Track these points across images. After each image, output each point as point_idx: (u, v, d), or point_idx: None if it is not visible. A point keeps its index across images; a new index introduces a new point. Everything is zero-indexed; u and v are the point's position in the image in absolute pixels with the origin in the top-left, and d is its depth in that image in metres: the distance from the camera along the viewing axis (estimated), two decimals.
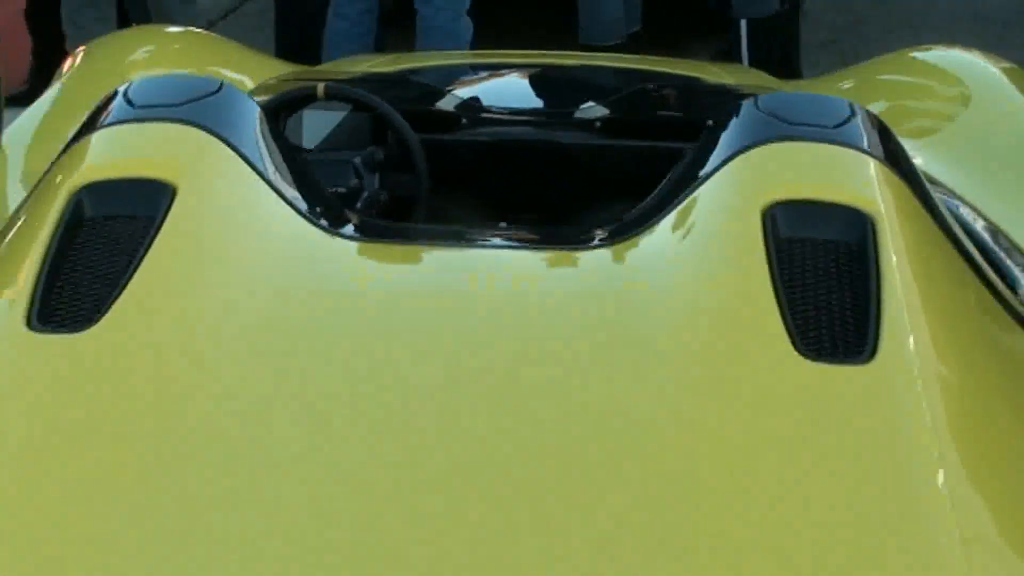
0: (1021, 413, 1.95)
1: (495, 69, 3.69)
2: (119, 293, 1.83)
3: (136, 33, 4.35)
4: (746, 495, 1.69)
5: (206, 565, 1.59)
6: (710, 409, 1.79)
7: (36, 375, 1.81)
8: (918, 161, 3.07)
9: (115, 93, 2.24)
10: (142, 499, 1.68)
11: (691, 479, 1.70)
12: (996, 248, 2.66)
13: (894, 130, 3.26)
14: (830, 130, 2.08)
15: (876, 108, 3.47)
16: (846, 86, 3.69)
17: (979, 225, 2.74)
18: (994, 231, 2.74)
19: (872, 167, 2.06)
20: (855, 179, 2.04)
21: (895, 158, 2.13)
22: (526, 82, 3.51)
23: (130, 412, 1.75)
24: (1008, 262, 2.61)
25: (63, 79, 3.85)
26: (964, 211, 2.80)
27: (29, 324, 1.82)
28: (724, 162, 2.05)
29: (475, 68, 3.74)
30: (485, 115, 3.14)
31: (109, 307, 1.82)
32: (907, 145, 3.16)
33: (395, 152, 2.79)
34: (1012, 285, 2.55)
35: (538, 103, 3.39)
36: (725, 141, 2.10)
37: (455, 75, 3.57)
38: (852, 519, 1.67)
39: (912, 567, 1.65)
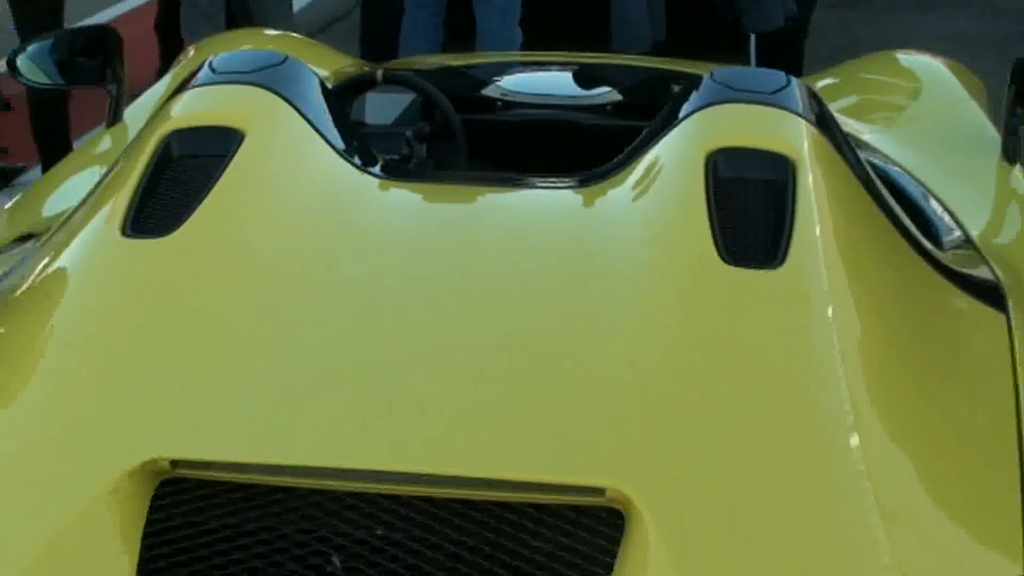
0: (907, 322, 1.98)
1: (530, 65, 3.75)
2: (194, 209, 1.92)
3: (239, 34, 4.42)
4: (666, 366, 1.75)
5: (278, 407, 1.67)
6: (646, 296, 1.85)
7: (126, 270, 1.90)
8: (872, 136, 3.15)
9: (204, 63, 2.33)
10: (214, 351, 1.77)
11: (622, 355, 1.76)
12: (925, 205, 2.70)
13: (868, 115, 3.35)
14: (767, 95, 2.14)
15: (850, 97, 3.56)
16: (829, 81, 3.75)
17: (915, 188, 2.79)
18: (926, 192, 2.79)
19: (797, 124, 2.09)
20: (782, 132, 2.07)
21: (821, 119, 2.17)
22: (552, 75, 3.56)
23: (198, 293, 1.84)
24: (936, 217, 2.65)
25: (176, 68, 3.97)
26: (900, 175, 2.84)
27: (123, 232, 1.91)
28: (683, 119, 2.11)
29: (512, 65, 3.79)
30: (515, 100, 3.19)
31: (185, 220, 1.91)
32: (868, 125, 3.24)
33: (440, 127, 2.83)
34: (936, 235, 2.56)
35: (560, 91, 3.40)
36: (687, 104, 2.16)
37: (495, 70, 3.62)
38: (750, 386, 1.71)
39: (803, 434, 1.68)
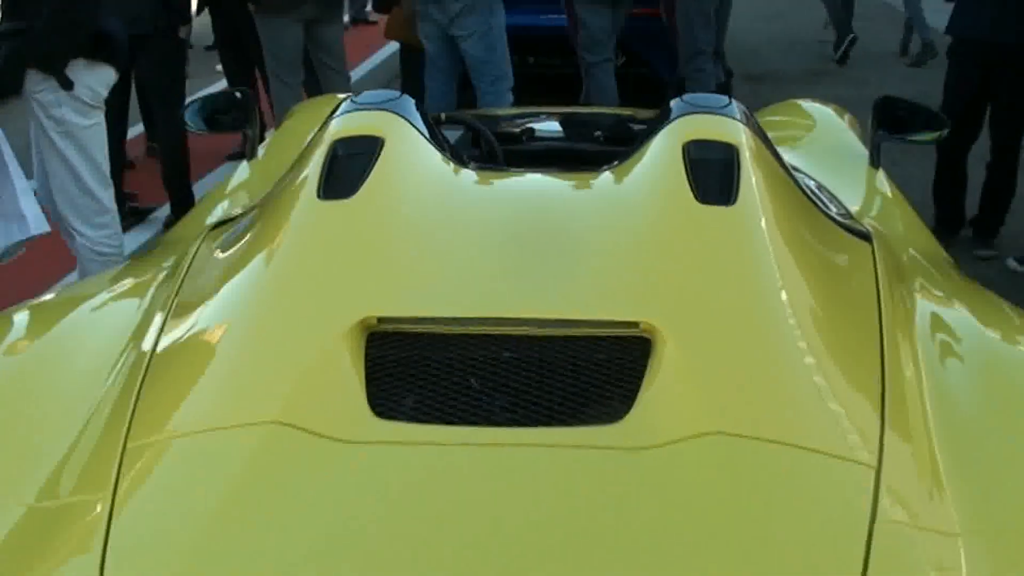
0: (810, 237, 2.29)
1: (543, 115, 3.97)
2: (361, 184, 2.21)
3: (321, 99, 4.70)
4: (673, 249, 2.08)
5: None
6: (654, 216, 2.18)
7: (324, 220, 2.18)
8: (783, 155, 3.47)
9: (347, 97, 2.64)
10: (391, 253, 2.07)
11: (644, 245, 2.09)
12: (819, 192, 3.01)
13: (779, 142, 3.51)
14: (718, 109, 2.47)
15: (769, 132, 3.80)
16: None
17: (812, 183, 3.10)
18: (820, 185, 3.13)
19: (737, 125, 2.42)
20: (728, 130, 2.39)
21: (751, 124, 2.48)
22: (559, 119, 3.85)
23: (375, 226, 2.15)
24: (827, 198, 2.97)
25: (286, 120, 4.33)
26: (802, 176, 3.08)
27: (318, 196, 2.21)
28: (666, 124, 2.43)
29: (530, 114, 4.00)
30: (531, 134, 3.51)
31: (357, 190, 2.20)
32: (780, 147, 3.48)
33: (484, 152, 3.18)
34: (827, 207, 2.82)
35: (565, 128, 3.72)
36: (668, 116, 2.48)
37: (518, 116, 3.90)
38: (722, 260, 2.04)
39: (756, 290, 1.99)
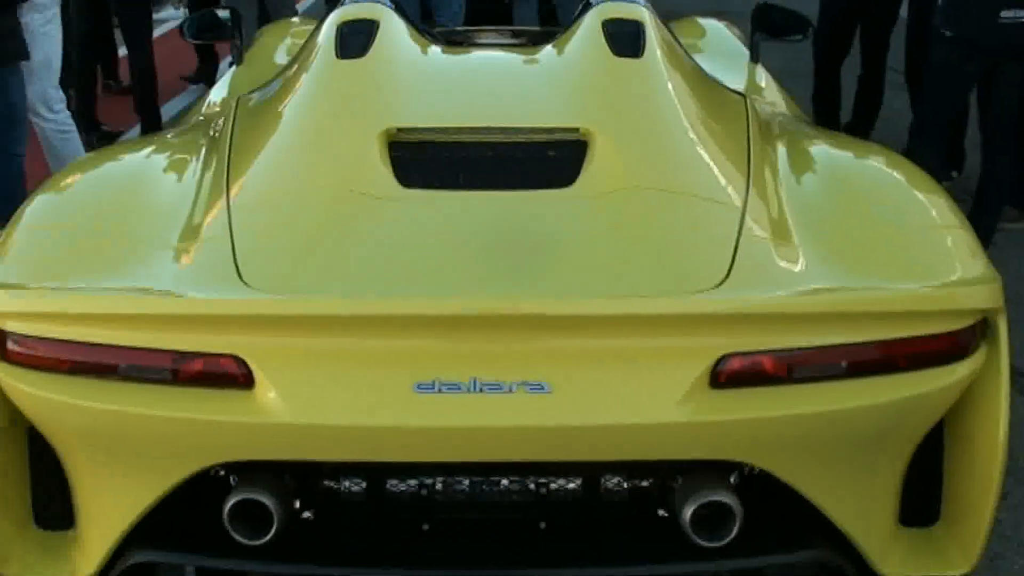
0: (699, 83, 3.09)
1: (479, 32, 4.60)
2: (369, 48, 2.97)
3: (282, 22, 5.37)
4: (598, 83, 2.90)
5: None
6: (585, 64, 3.00)
7: (345, 72, 2.94)
8: None
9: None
10: (404, 87, 2.90)
11: (575, 81, 2.94)
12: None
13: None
14: None
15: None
16: None
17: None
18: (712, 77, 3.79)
19: (642, 9, 3.16)
20: (636, 12, 3.13)
21: (653, 11, 3.25)
22: (498, 34, 4.45)
23: (383, 74, 2.93)
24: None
25: (258, 39, 4.95)
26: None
27: (337, 56, 2.96)
28: (590, 9, 3.18)
29: (472, 31, 4.63)
30: (475, 41, 4.16)
31: (366, 53, 2.95)
32: None
33: None
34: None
35: (503, 38, 4.33)
36: (592, 5, 3.25)
37: (468, 32, 4.55)
38: (634, 92, 2.85)
39: (666, 109, 2.78)
